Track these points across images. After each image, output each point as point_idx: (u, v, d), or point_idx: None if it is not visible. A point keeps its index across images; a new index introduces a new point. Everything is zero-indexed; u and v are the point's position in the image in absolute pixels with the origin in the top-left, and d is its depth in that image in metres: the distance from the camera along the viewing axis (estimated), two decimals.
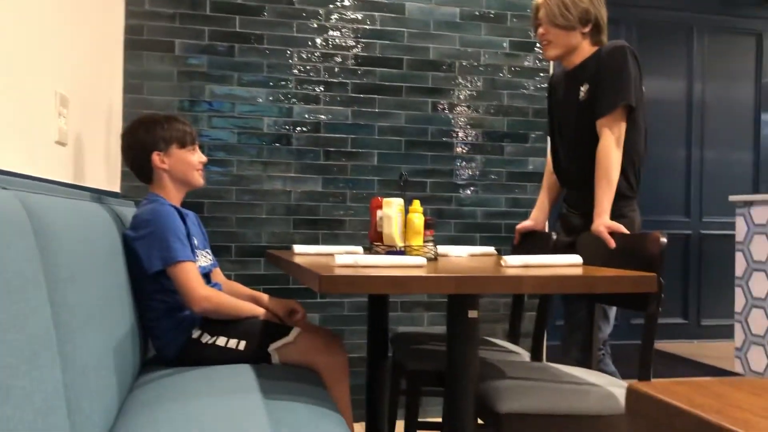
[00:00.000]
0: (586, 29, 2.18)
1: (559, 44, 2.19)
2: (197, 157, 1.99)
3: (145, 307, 1.82)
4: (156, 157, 1.92)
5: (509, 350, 2.25)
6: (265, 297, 2.10)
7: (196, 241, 1.96)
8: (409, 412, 2.20)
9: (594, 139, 2.11)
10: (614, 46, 2.13)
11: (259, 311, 1.93)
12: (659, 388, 0.49)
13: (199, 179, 2.00)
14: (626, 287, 1.53)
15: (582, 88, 2.17)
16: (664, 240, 1.68)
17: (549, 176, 2.47)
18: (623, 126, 2.08)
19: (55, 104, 1.75)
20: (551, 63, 3.31)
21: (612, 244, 1.94)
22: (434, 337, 2.33)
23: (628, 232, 1.98)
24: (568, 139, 2.28)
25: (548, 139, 2.47)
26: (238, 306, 1.89)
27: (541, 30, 2.22)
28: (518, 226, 2.48)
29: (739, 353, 4.03)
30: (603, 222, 2.01)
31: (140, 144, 1.92)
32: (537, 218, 2.46)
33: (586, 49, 2.20)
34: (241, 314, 1.88)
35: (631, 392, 0.50)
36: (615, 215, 2.07)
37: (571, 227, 2.26)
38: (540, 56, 3.25)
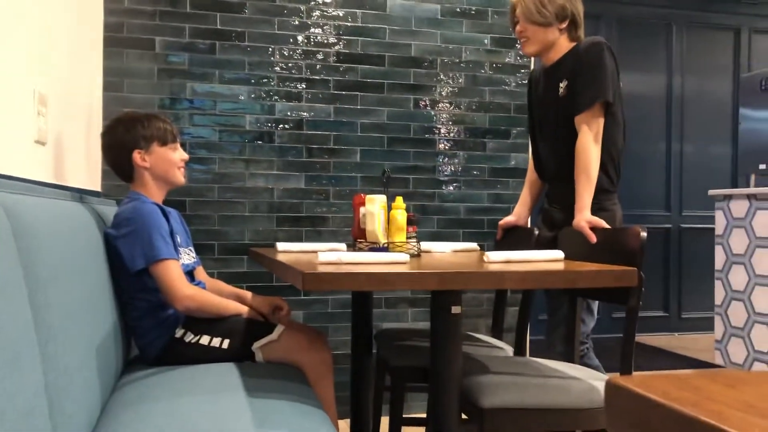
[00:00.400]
0: (563, 25, 2.19)
1: (536, 41, 2.21)
2: (179, 155, 1.98)
3: (128, 306, 1.81)
4: (137, 156, 1.91)
5: (493, 345, 2.27)
6: (248, 295, 2.10)
7: (179, 239, 1.95)
8: (394, 408, 2.21)
9: (573, 135, 2.13)
10: (591, 42, 2.15)
11: (243, 309, 1.92)
12: (636, 381, 0.50)
13: (180, 177, 1.99)
14: (607, 282, 1.55)
15: (561, 85, 2.19)
16: (644, 234, 1.70)
17: (531, 172, 2.49)
18: (601, 122, 2.10)
19: (34, 103, 1.73)
20: (532, 59, 3.33)
21: (593, 239, 1.96)
22: (418, 333, 2.34)
23: (608, 226, 2.01)
24: (548, 135, 2.30)
25: (529, 135, 2.48)
26: (221, 304, 1.88)
27: (518, 27, 2.24)
28: (501, 222, 2.50)
29: (719, 345, 4.09)
30: (584, 217, 2.04)
31: (120, 143, 1.91)
32: (520, 214, 2.47)
33: (563, 45, 2.22)
34: (225, 312, 1.88)
35: (609, 386, 0.51)
36: (596, 209, 2.09)
37: (553, 222, 2.28)
38: (521, 53, 3.26)
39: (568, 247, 1.97)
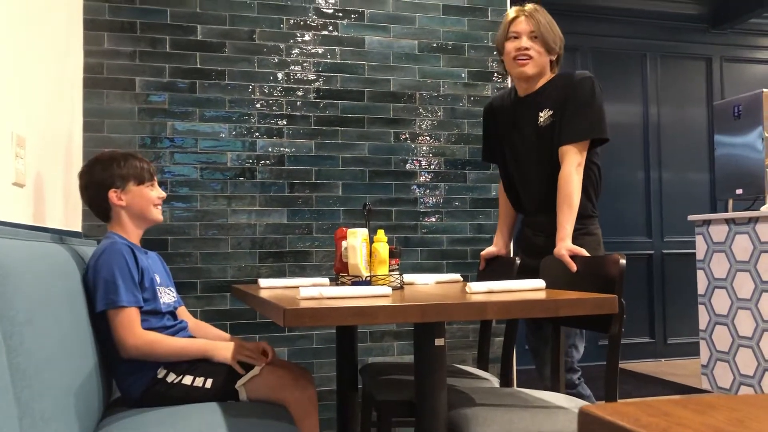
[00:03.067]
0: (554, 57, 2.24)
1: (539, 63, 2.19)
2: (156, 193, 1.98)
3: (108, 347, 1.78)
4: (113, 195, 1.90)
5: (478, 377, 2.26)
6: (230, 340, 2.09)
7: (158, 279, 1.94)
8: None
9: (555, 162, 2.15)
10: (584, 76, 2.18)
11: (209, 350, 1.85)
12: (608, 409, 0.50)
13: (157, 215, 1.98)
14: (588, 309, 1.55)
15: (542, 114, 2.20)
16: (623, 261, 1.72)
17: (504, 203, 2.49)
18: (585, 154, 2.14)
19: (11, 145, 1.73)
20: None
21: (573, 268, 1.98)
22: (403, 366, 2.33)
23: (588, 254, 2.02)
24: (525, 163, 2.30)
25: (499, 168, 2.49)
26: (176, 349, 1.82)
27: (526, 43, 2.18)
28: (483, 252, 2.51)
29: (705, 370, 4.10)
30: (565, 246, 2.05)
31: (97, 182, 1.91)
32: (499, 243, 2.49)
33: (546, 76, 2.25)
34: (184, 355, 1.81)
35: (582, 415, 0.51)
36: (582, 233, 2.13)
37: (535, 249, 2.28)
38: (498, 86, 3.31)
39: (550, 275, 1.98)
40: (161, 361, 1.80)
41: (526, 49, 2.17)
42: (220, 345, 1.89)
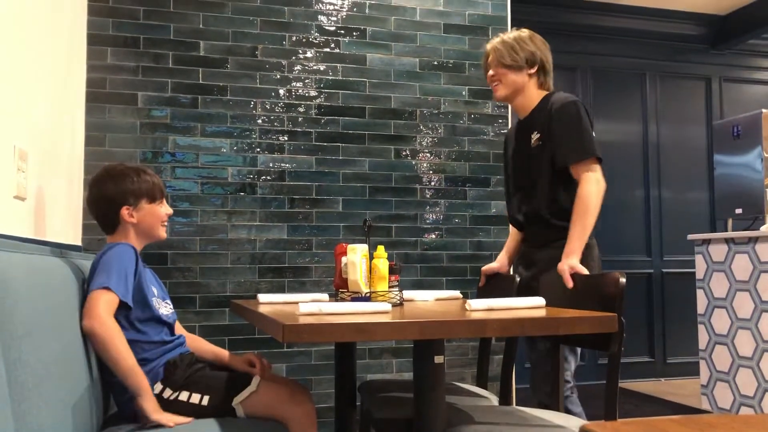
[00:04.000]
0: (532, 70, 2.30)
1: (507, 84, 2.30)
2: (165, 210, 1.98)
3: (105, 363, 1.77)
4: (125, 212, 1.90)
5: (477, 395, 2.25)
6: (226, 354, 2.08)
7: (155, 291, 1.93)
8: None
9: (546, 182, 2.21)
10: (566, 100, 2.23)
11: (144, 387, 1.69)
12: (609, 428, 0.50)
13: (162, 233, 1.99)
14: (588, 328, 1.55)
15: (533, 136, 2.28)
16: (623, 280, 1.72)
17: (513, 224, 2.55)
18: (598, 168, 2.17)
19: (13, 159, 1.74)
20: (509, 111, 3.40)
21: (570, 284, 1.98)
22: (401, 384, 2.32)
23: (588, 273, 2.02)
24: (521, 184, 2.37)
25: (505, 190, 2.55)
26: (126, 361, 1.67)
27: (491, 72, 2.33)
28: (483, 269, 2.53)
29: (705, 390, 4.08)
30: (569, 262, 2.05)
31: (109, 198, 1.89)
32: (502, 261, 2.52)
33: (534, 93, 2.31)
34: (127, 372, 1.67)
35: None
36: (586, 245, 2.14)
37: (530, 261, 2.32)
38: (498, 104, 3.33)
39: (548, 293, 1.97)
40: (103, 359, 1.68)
41: (492, 75, 2.33)
42: (151, 397, 1.72)
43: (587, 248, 2.19)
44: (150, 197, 1.93)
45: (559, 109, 2.22)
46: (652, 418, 0.52)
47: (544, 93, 2.32)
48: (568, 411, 2.17)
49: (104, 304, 1.67)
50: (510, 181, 2.46)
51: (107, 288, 1.69)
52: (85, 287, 1.77)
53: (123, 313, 1.76)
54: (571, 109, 2.20)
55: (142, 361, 1.78)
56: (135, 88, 2.91)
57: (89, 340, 1.66)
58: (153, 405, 1.69)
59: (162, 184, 1.99)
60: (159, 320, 1.87)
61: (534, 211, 2.28)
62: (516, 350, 2.31)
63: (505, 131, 3.35)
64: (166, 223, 2.00)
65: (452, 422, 1.67)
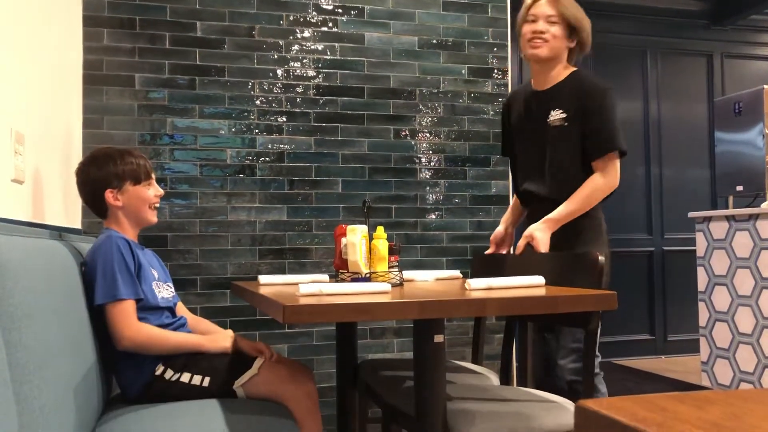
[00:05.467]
0: (573, 44, 2.20)
1: (553, 46, 2.15)
2: (153, 191, 1.96)
3: (107, 344, 1.78)
4: (109, 195, 1.89)
5: (478, 373, 2.26)
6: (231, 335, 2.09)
7: (156, 274, 1.94)
8: None
9: (563, 161, 2.15)
10: (604, 86, 2.15)
11: (203, 344, 1.85)
12: (605, 404, 0.50)
13: (151, 217, 1.96)
14: (588, 306, 1.55)
15: (554, 112, 2.17)
16: (601, 259, 1.73)
17: (515, 196, 2.47)
18: (617, 164, 2.14)
19: (10, 142, 1.73)
20: (509, 88, 3.38)
21: (518, 251, 2.00)
22: (402, 362, 2.33)
23: (542, 252, 2.03)
24: (531, 157, 2.28)
25: (509, 160, 2.49)
26: (170, 342, 1.81)
27: (540, 26, 2.15)
28: (492, 236, 2.43)
29: (705, 367, 4.10)
30: (541, 228, 2.06)
31: (93, 181, 1.89)
32: (507, 221, 2.42)
33: (562, 66, 2.20)
34: (181, 348, 1.81)
35: (579, 410, 0.51)
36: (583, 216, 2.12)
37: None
38: (498, 82, 3.31)
39: (538, 269, 1.97)
40: (158, 354, 1.79)
41: (542, 32, 2.15)
42: (218, 336, 1.90)
43: (597, 229, 2.17)
44: (134, 179, 1.91)
45: (595, 95, 2.12)
46: (650, 395, 0.52)
47: (570, 69, 2.20)
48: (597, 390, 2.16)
49: (124, 317, 1.73)
50: (519, 152, 2.33)
51: (119, 299, 1.72)
52: (83, 269, 1.77)
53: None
54: (610, 100, 2.12)
55: None
56: (132, 70, 2.89)
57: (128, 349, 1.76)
58: (222, 343, 1.87)
59: (149, 165, 1.97)
60: (158, 307, 1.88)
61: (547, 191, 2.20)
62: (516, 329, 2.31)
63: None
64: (156, 206, 1.98)
65: (453, 400, 1.68)
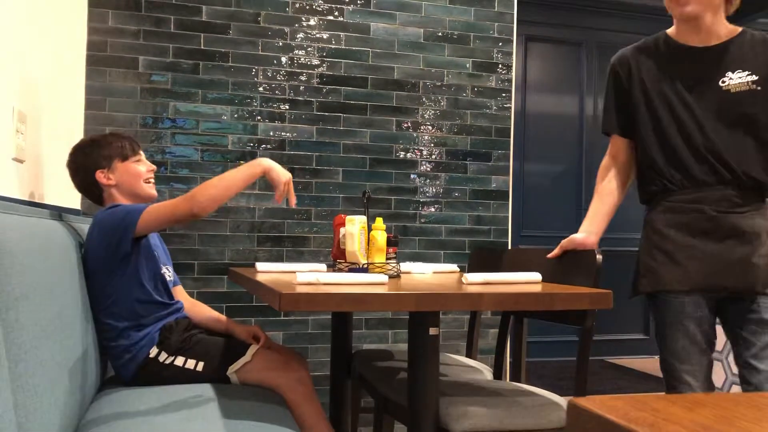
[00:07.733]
0: None
1: (703, 1, 1.77)
2: (144, 167, 1.97)
3: (102, 326, 1.79)
4: (100, 175, 1.90)
5: (472, 367, 2.27)
6: (224, 320, 2.10)
7: (157, 254, 1.94)
8: (375, 429, 2.20)
9: (750, 131, 1.79)
10: None
11: (240, 168, 1.82)
12: (597, 403, 0.50)
13: (149, 190, 1.97)
14: (584, 304, 1.56)
15: (731, 74, 1.80)
16: (599, 257, 1.73)
17: (609, 181, 2.10)
18: None
19: (12, 121, 1.73)
20: (513, 83, 3.37)
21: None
22: (397, 354, 2.34)
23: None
24: (699, 127, 1.80)
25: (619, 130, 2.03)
26: (225, 180, 1.76)
27: None
28: (564, 242, 1.96)
29: None
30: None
31: (82, 167, 1.91)
32: (590, 230, 1.99)
33: (722, 19, 1.84)
34: (235, 183, 1.78)
35: (571, 407, 0.52)
36: None
37: (710, 226, 1.81)
38: (502, 77, 3.30)
39: (525, 265, 1.98)
40: (220, 196, 1.74)
41: None
42: (250, 163, 1.87)
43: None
44: (121, 156, 1.92)
45: None
46: (642, 395, 0.52)
47: (730, 25, 1.85)
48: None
49: (164, 205, 1.72)
50: (666, 123, 1.84)
51: (145, 209, 1.72)
52: (83, 251, 1.77)
53: (133, 263, 1.77)
54: None
55: (139, 327, 1.80)
56: (136, 52, 2.88)
57: (206, 212, 1.72)
58: (250, 169, 1.84)
59: (134, 141, 1.97)
60: (163, 281, 1.89)
61: (726, 165, 1.77)
62: (510, 324, 2.32)
63: (509, 105, 3.33)
64: (152, 180, 1.99)
65: (445, 394, 1.69)
